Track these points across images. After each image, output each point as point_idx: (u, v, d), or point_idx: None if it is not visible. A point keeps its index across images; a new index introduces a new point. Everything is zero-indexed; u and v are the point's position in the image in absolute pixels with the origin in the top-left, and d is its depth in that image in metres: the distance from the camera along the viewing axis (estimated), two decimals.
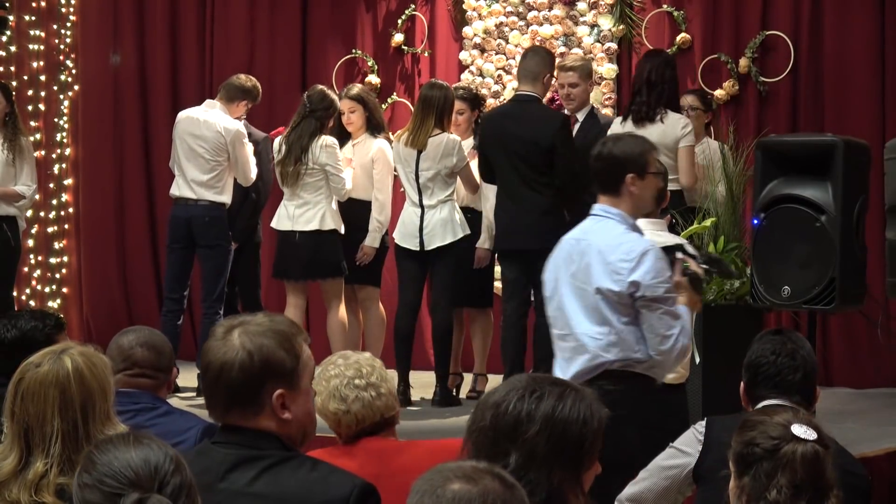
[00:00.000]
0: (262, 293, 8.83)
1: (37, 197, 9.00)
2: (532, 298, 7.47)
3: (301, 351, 2.85)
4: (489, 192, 8.01)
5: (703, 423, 4.07)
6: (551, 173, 7.41)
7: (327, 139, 7.96)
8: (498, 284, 9.00)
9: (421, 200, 7.90)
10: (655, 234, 5.02)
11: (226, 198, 8.29)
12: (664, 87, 7.62)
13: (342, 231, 8.05)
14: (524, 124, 7.45)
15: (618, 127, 7.62)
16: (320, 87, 8.22)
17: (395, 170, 8.15)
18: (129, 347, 4.06)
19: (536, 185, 7.43)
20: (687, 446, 4.07)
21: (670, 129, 7.54)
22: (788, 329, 4.45)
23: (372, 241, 8.16)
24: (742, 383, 4.08)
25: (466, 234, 7.94)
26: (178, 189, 8.32)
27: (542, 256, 7.35)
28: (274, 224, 8.18)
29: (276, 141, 8.18)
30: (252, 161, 8.32)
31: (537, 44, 9.29)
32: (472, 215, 8.08)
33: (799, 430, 2.94)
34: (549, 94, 8.31)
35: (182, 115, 8.45)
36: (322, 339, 8.02)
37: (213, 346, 2.80)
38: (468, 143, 8.16)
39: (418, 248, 7.89)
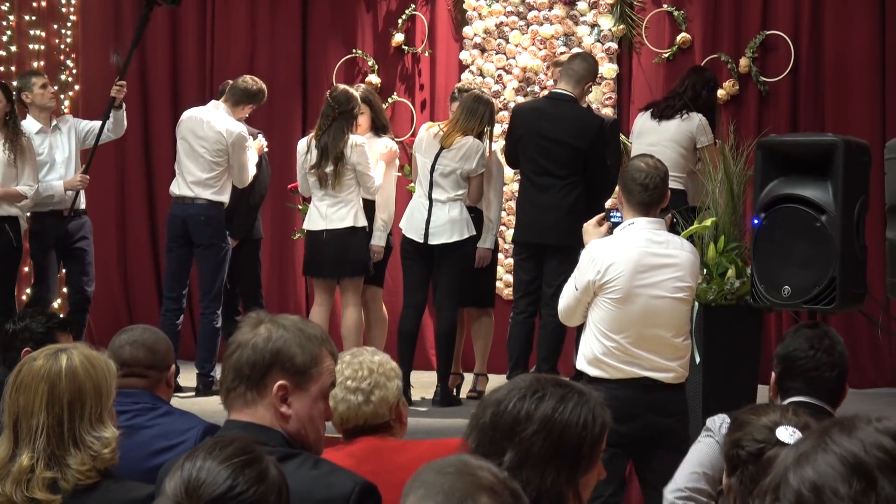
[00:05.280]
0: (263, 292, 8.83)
1: None
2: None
3: (321, 357, 2.89)
4: (492, 194, 8.06)
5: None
6: (579, 173, 7.50)
7: (356, 139, 7.97)
8: (499, 284, 9.01)
9: (430, 193, 7.94)
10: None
11: (224, 197, 8.29)
12: (694, 103, 8.10)
13: (368, 229, 8.09)
14: (560, 124, 7.52)
15: (638, 118, 8.10)
16: (342, 86, 8.19)
17: (412, 158, 8.23)
18: (118, 347, 4.04)
19: (564, 183, 7.51)
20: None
21: (686, 125, 8.01)
22: (824, 324, 4.44)
23: (378, 239, 8.20)
24: (773, 374, 4.07)
25: (472, 235, 7.97)
26: (178, 187, 8.33)
27: (558, 252, 7.45)
28: (307, 226, 8.18)
29: (302, 143, 8.14)
30: (251, 167, 8.33)
31: (538, 44, 9.34)
32: (475, 214, 8.09)
33: (784, 433, 2.93)
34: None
35: (186, 114, 8.47)
36: (334, 336, 8.02)
37: (241, 329, 2.92)
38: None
39: (422, 241, 7.91)
